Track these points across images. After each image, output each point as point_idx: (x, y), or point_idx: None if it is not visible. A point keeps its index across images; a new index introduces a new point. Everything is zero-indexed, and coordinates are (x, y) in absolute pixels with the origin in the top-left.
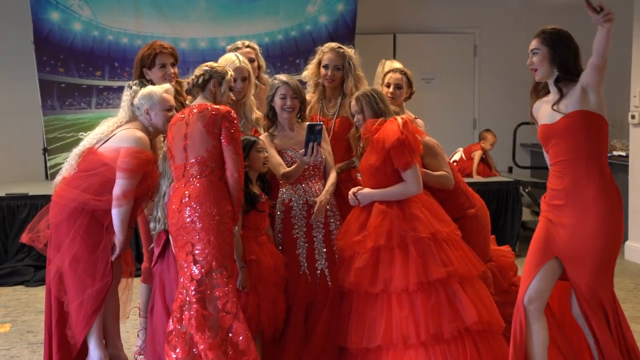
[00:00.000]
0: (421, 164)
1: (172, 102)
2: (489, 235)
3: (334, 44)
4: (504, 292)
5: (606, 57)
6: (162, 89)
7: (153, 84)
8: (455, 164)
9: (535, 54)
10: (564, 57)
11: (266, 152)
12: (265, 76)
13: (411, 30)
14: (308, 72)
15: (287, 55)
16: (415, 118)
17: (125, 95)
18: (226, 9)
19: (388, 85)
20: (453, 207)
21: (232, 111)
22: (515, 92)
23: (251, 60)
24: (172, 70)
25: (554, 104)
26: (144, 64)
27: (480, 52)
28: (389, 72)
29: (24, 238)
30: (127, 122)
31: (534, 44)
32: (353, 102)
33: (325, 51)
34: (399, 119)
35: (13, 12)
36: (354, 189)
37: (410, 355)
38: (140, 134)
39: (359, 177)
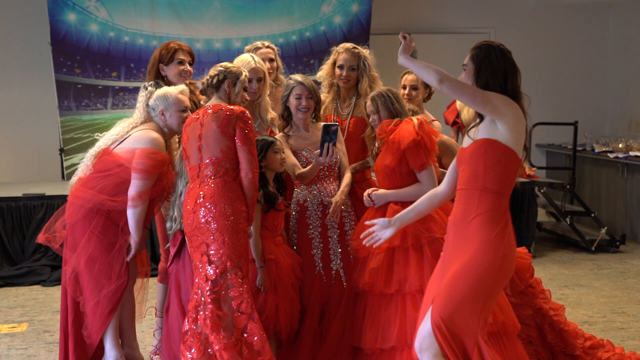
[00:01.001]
0: (439, 163)
1: (187, 103)
2: None
3: (349, 45)
4: (520, 294)
5: (433, 82)
6: (177, 90)
7: (168, 80)
8: None
9: (464, 70)
10: (487, 77)
11: (283, 152)
12: (282, 77)
13: (426, 30)
14: (323, 73)
15: (301, 55)
16: (432, 120)
17: (141, 96)
18: (241, 9)
19: (404, 87)
20: None
21: (247, 111)
22: (530, 93)
23: (270, 60)
24: (188, 68)
25: (469, 128)
26: (161, 60)
27: None
28: (405, 73)
29: (41, 238)
30: (142, 123)
31: (466, 59)
32: (369, 102)
33: (340, 51)
34: (414, 119)
35: (30, 14)
36: (368, 190)
37: None
38: (155, 135)
39: (374, 178)
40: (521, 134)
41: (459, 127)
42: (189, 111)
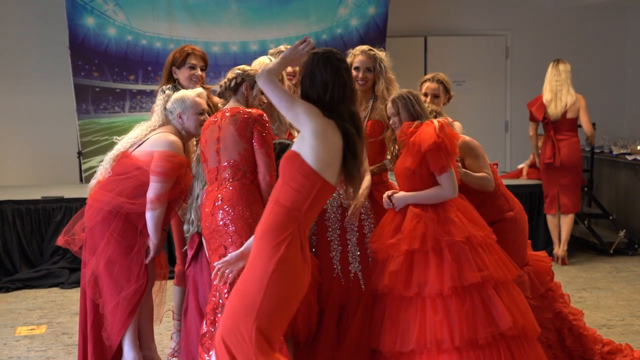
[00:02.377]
0: (461, 164)
1: (205, 106)
2: (527, 239)
3: (364, 47)
4: (540, 297)
5: (266, 89)
6: (194, 93)
7: (179, 83)
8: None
9: None
10: (306, 87)
11: None
12: None
13: (442, 32)
14: None
15: None
16: (452, 121)
17: (159, 100)
18: (257, 12)
19: (425, 95)
20: (492, 209)
21: (264, 114)
22: None
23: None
24: (199, 73)
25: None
26: (174, 63)
27: (512, 54)
28: (425, 81)
29: (60, 241)
30: (160, 126)
31: None
32: (389, 105)
33: (356, 54)
34: (435, 122)
35: (49, 18)
36: (388, 192)
37: None
38: (173, 137)
39: (391, 180)
40: (323, 152)
41: (546, 122)
42: (206, 114)
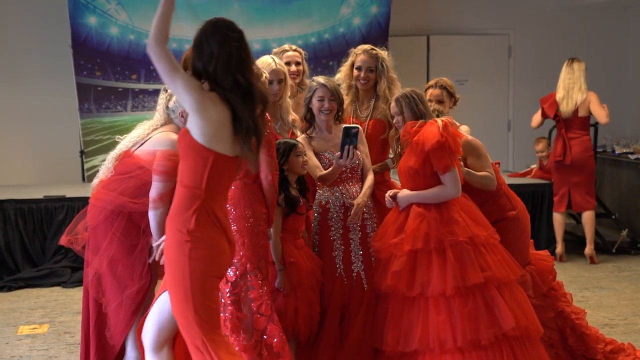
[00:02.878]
0: (463, 163)
1: None
2: (529, 238)
3: (366, 46)
4: (542, 296)
5: (150, 36)
6: None
7: None
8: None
9: None
10: (195, 58)
11: (305, 155)
12: (307, 81)
13: (445, 31)
14: (341, 75)
15: (320, 58)
16: (459, 126)
17: (161, 99)
18: (260, 12)
19: (430, 101)
20: (494, 208)
21: (267, 114)
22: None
23: (297, 64)
24: None
25: None
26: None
27: (514, 53)
28: (428, 87)
29: (63, 240)
30: (162, 125)
31: None
32: (393, 104)
33: (358, 53)
34: (439, 121)
35: (51, 17)
36: (390, 192)
37: None
38: (175, 136)
39: (393, 179)
40: (205, 126)
41: (557, 120)
42: None
